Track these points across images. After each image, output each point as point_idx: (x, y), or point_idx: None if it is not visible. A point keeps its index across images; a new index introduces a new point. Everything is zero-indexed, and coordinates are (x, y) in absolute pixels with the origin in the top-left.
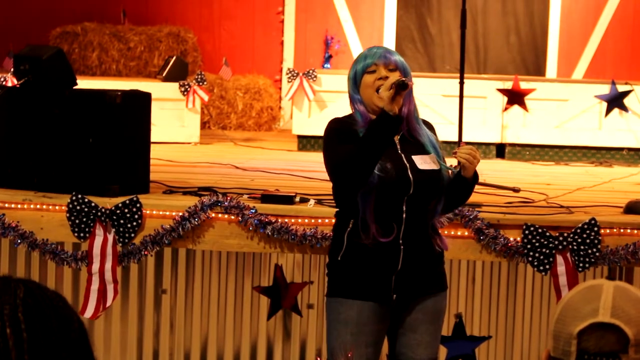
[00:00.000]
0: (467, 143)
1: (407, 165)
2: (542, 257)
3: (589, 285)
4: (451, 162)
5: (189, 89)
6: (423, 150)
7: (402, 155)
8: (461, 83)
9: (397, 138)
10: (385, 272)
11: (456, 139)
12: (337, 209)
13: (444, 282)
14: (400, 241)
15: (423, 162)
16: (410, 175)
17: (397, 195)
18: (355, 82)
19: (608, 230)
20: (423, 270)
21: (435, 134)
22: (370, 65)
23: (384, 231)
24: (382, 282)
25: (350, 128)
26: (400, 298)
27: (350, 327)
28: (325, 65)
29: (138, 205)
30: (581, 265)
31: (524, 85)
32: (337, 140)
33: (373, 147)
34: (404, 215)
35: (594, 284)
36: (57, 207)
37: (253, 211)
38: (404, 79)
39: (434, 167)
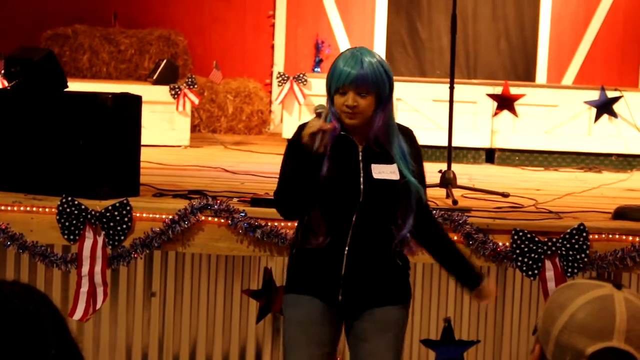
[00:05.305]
0: (457, 148)
1: (362, 173)
2: (530, 262)
3: (597, 295)
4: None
5: (179, 92)
6: (388, 160)
7: (361, 163)
8: (451, 88)
9: (360, 147)
10: (331, 274)
11: (446, 144)
12: None
13: (403, 294)
14: (347, 248)
15: (380, 172)
16: (362, 184)
17: (346, 202)
18: (329, 90)
19: (597, 236)
20: (373, 280)
21: (413, 141)
22: (340, 87)
23: (327, 238)
24: (328, 283)
25: None
26: (348, 303)
27: (300, 327)
28: (316, 69)
29: (128, 207)
30: (570, 270)
31: (513, 90)
32: (286, 158)
33: (297, 180)
34: (353, 223)
35: (603, 295)
36: (47, 210)
37: (243, 214)
38: (316, 129)
39: (392, 177)
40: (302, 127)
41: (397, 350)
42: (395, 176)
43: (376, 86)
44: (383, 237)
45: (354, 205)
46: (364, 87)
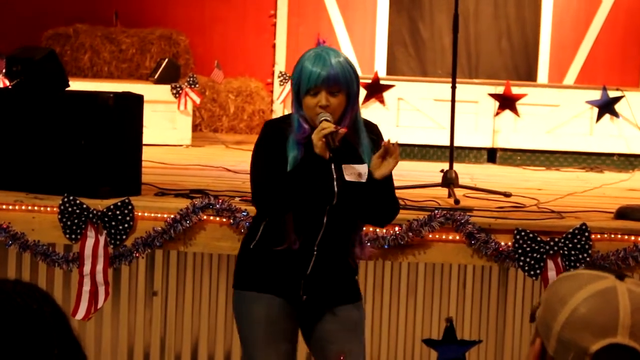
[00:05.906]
0: (459, 148)
1: (334, 175)
2: (532, 261)
3: (599, 289)
4: None
5: (180, 92)
6: (357, 159)
7: (332, 164)
8: (453, 87)
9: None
10: (295, 273)
11: (448, 144)
12: None
13: (357, 292)
14: (315, 248)
15: (351, 174)
16: (335, 187)
17: (319, 203)
18: (297, 93)
19: (599, 236)
20: (335, 279)
21: (379, 136)
22: (312, 88)
23: (299, 238)
24: (291, 281)
25: (282, 134)
26: (310, 302)
27: (262, 326)
28: None
29: (130, 207)
30: (572, 270)
31: (515, 90)
32: (264, 155)
33: (299, 185)
34: (324, 224)
35: (605, 288)
36: (48, 209)
37: (244, 214)
38: (333, 129)
39: (362, 179)
40: (269, 123)
41: (364, 348)
42: (365, 178)
43: (347, 84)
44: (347, 238)
45: (325, 206)
46: (335, 86)
